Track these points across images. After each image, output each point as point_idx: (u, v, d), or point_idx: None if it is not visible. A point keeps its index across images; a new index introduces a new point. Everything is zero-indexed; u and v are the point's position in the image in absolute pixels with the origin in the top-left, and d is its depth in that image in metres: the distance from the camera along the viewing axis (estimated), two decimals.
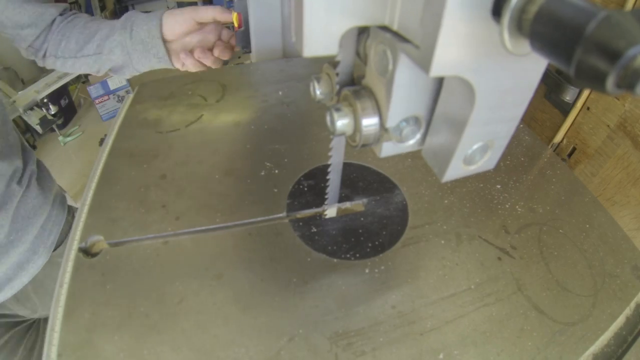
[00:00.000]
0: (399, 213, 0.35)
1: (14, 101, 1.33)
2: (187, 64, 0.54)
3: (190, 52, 0.54)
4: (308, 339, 0.26)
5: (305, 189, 0.36)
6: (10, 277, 0.47)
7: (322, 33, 0.17)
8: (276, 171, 0.38)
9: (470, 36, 0.14)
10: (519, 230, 0.34)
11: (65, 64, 0.54)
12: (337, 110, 0.21)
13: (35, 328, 0.58)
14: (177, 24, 0.52)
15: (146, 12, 0.54)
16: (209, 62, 0.54)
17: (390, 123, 0.20)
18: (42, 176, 0.54)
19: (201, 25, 0.53)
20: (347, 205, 0.35)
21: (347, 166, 0.38)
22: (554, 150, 0.54)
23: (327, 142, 0.38)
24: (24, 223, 0.47)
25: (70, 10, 0.55)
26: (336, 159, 0.28)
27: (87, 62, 0.53)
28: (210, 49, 0.55)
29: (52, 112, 1.69)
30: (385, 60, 0.18)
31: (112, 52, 0.52)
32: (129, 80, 1.92)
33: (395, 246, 0.32)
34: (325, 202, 0.33)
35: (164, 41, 0.52)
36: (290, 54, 0.58)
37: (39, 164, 0.55)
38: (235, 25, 0.53)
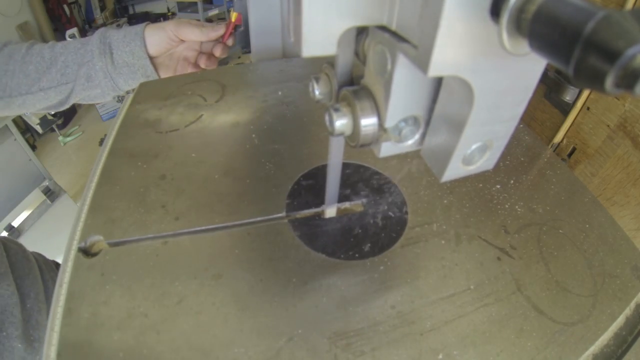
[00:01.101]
0: (398, 213, 0.34)
1: None
2: (185, 71, 0.53)
3: (184, 60, 0.53)
4: (307, 339, 0.26)
5: (305, 189, 0.36)
6: None
7: (321, 33, 0.17)
8: (275, 171, 0.38)
9: (469, 36, 0.14)
10: (518, 230, 0.34)
11: (10, 105, 0.45)
12: (336, 110, 0.21)
13: None
14: (161, 42, 0.50)
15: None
16: (201, 67, 0.53)
17: (389, 123, 0.20)
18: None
19: (184, 40, 0.53)
20: (346, 205, 0.35)
21: (346, 166, 0.38)
22: (554, 150, 0.54)
23: (326, 142, 0.38)
24: (28, 281, 0.44)
25: None
26: (335, 159, 0.28)
27: (47, 95, 0.46)
28: (195, 61, 0.54)
29: (52, 112, 1.69)
30: (384, 60, 0.18)
31: (90, 79, 0.47)
32: None
33: (395, 246, 0.32)
34: (325, 202, 0.33)
35: (150, 58, 0.50)
36: (289, 54, 0.58)
37: None
38: (232, 20, 0.53)
